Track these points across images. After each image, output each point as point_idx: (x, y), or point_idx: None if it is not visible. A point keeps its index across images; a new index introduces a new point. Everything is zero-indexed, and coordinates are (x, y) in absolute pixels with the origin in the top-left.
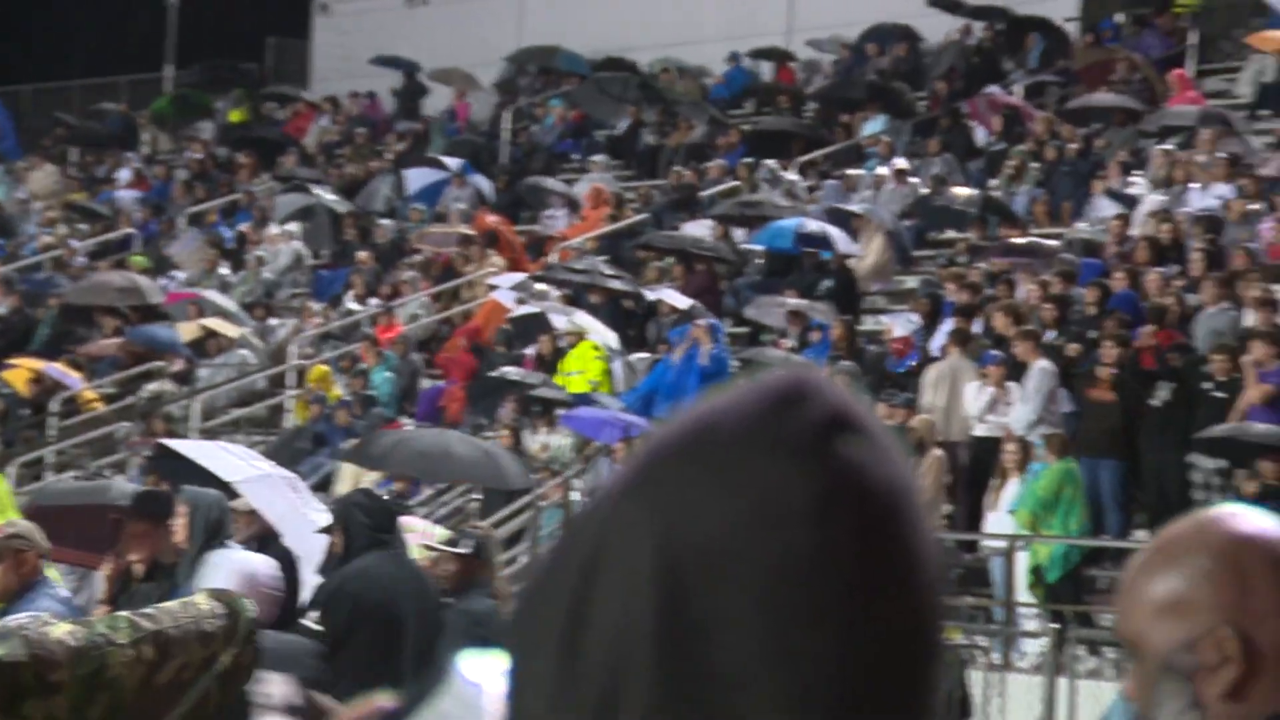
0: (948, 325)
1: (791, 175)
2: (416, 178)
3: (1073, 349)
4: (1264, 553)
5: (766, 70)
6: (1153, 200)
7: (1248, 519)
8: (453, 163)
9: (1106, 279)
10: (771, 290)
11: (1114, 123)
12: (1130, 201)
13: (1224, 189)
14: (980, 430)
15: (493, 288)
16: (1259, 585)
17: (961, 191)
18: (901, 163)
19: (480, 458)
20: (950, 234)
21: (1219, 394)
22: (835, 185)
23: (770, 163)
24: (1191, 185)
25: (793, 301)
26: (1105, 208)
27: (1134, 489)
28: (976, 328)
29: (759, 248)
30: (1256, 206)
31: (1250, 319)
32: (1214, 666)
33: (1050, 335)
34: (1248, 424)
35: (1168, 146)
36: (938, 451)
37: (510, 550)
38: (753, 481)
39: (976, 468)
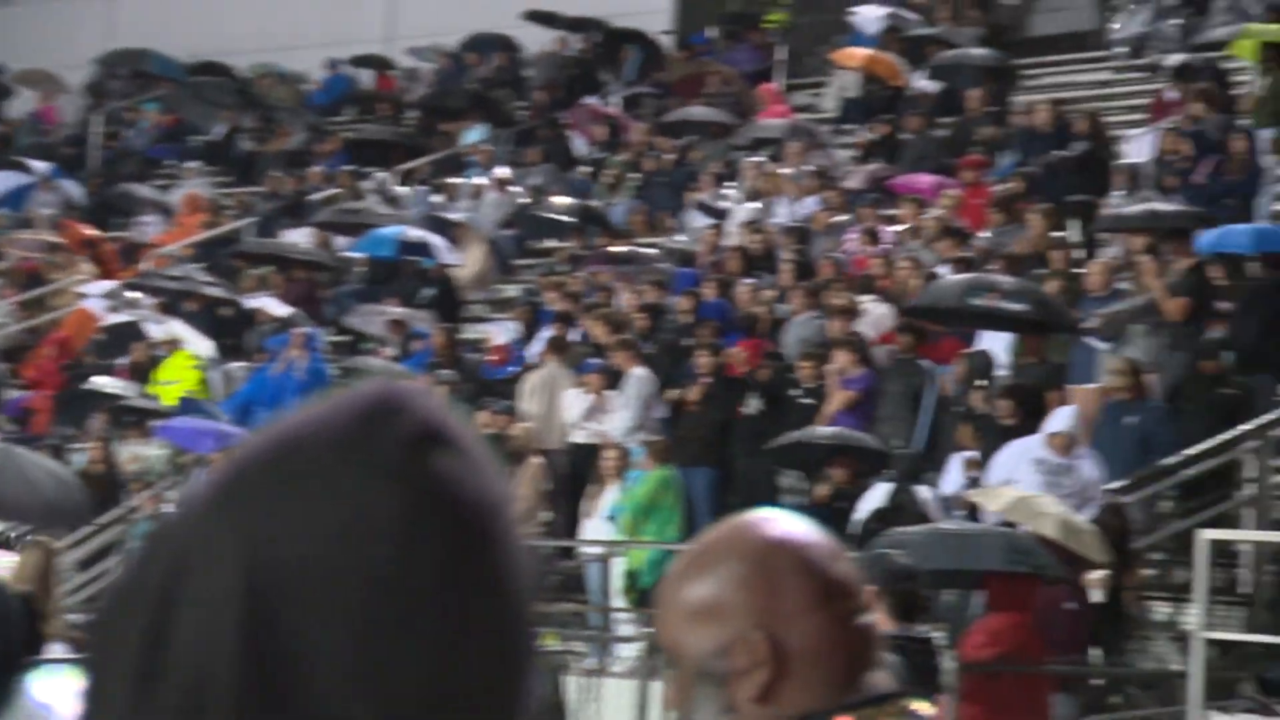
0: (546, 333)
1: (392, 183)
2: (0, 181)
3: (668, 357)
4: (793, 556)
5: (366, 78)
6: (744, 211)
7: (778, 523)
8: (40, 166)
9: (699, 288)
10: (373, 298)
11: (708, 135)
12: (723, 213)
13: (811, 201)
14: (579, 437)
15: (82, 296)
16: (788, 588)
17: (561, 201)
18: (503, 172)
19: (25, 492)
20: (550, 243)
21: (807, 401)
22: (427, 192)
23: (381, 175)
24: (780, 197)
25: (394, 310)
26: (699, 218)
27: (726, 496)
28: (575, 336)
29: (360, 255)
30: (842, 218)
31: (835, 327)
32: (746, 670)
33: (647, 344)
34: (814, 429)
35: (758, 159)
36: (537, 459)
37: (101, 564)
38: (341, 498)
39: (575, 475)
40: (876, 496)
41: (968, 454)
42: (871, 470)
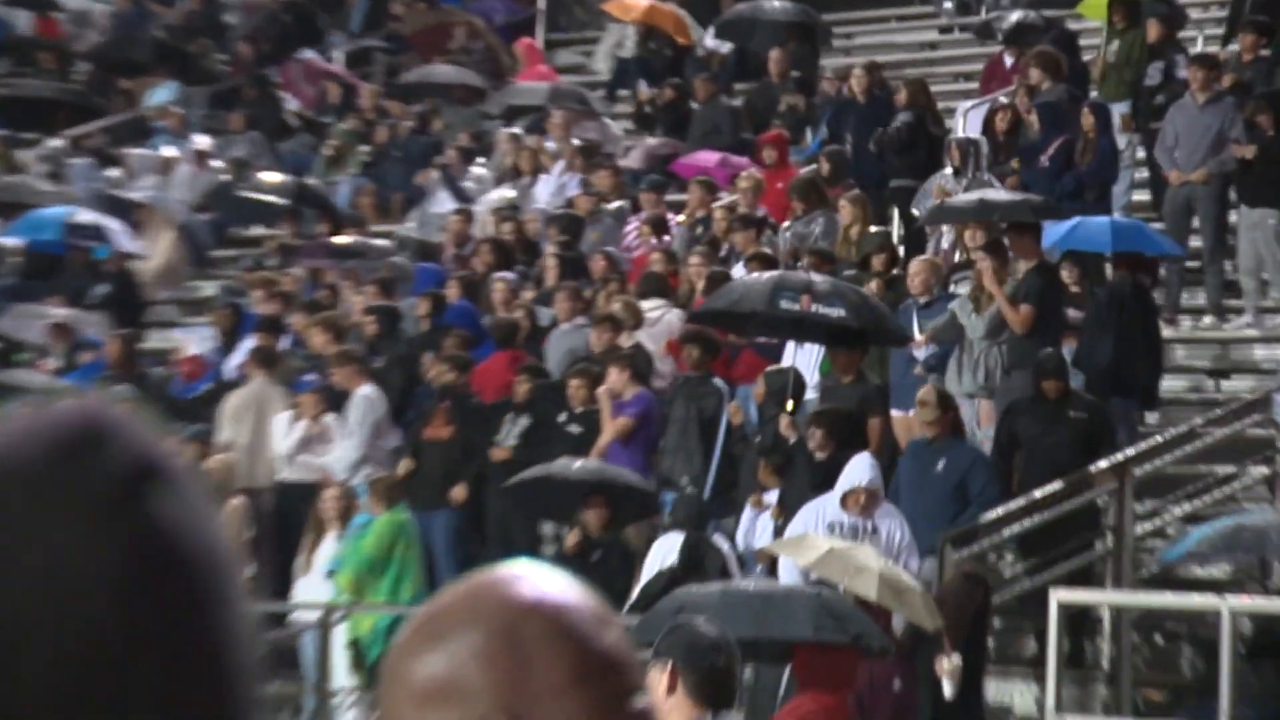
0: (250, 342)
1: (57, 153)
2: None
3: (402, 374)
4: (547, 623)
5: (23, 20)
6: (497, 194)
7: (532, 583)
8: None
9: (441, 288)
10: (31, 296)
11: (452, 100)
12: (471, 195)
13: (578, 182)
14: (291, 474)
15: None
16: (539, 661)
17: (271, 178)
18: (201, 141)
19: None
20: (257, 230)
21: (575, 429)
22: (100, 165)
23: (45, 142)
24: (543, 176)
25: (57, 311)
26: (443, 202)
27: (477, 545)
28: (287, 345)
29: (14, 242)
30: (617, 204)
31: (608, 339)
32: None
33: (376, 357)
34: (567, 463)
35: (515, 130)
36: (238, 499)
37: None
38: (42, 546)
39: (286, 519)
40: (665, 548)
41: (769, 495)
42: (637, 514)
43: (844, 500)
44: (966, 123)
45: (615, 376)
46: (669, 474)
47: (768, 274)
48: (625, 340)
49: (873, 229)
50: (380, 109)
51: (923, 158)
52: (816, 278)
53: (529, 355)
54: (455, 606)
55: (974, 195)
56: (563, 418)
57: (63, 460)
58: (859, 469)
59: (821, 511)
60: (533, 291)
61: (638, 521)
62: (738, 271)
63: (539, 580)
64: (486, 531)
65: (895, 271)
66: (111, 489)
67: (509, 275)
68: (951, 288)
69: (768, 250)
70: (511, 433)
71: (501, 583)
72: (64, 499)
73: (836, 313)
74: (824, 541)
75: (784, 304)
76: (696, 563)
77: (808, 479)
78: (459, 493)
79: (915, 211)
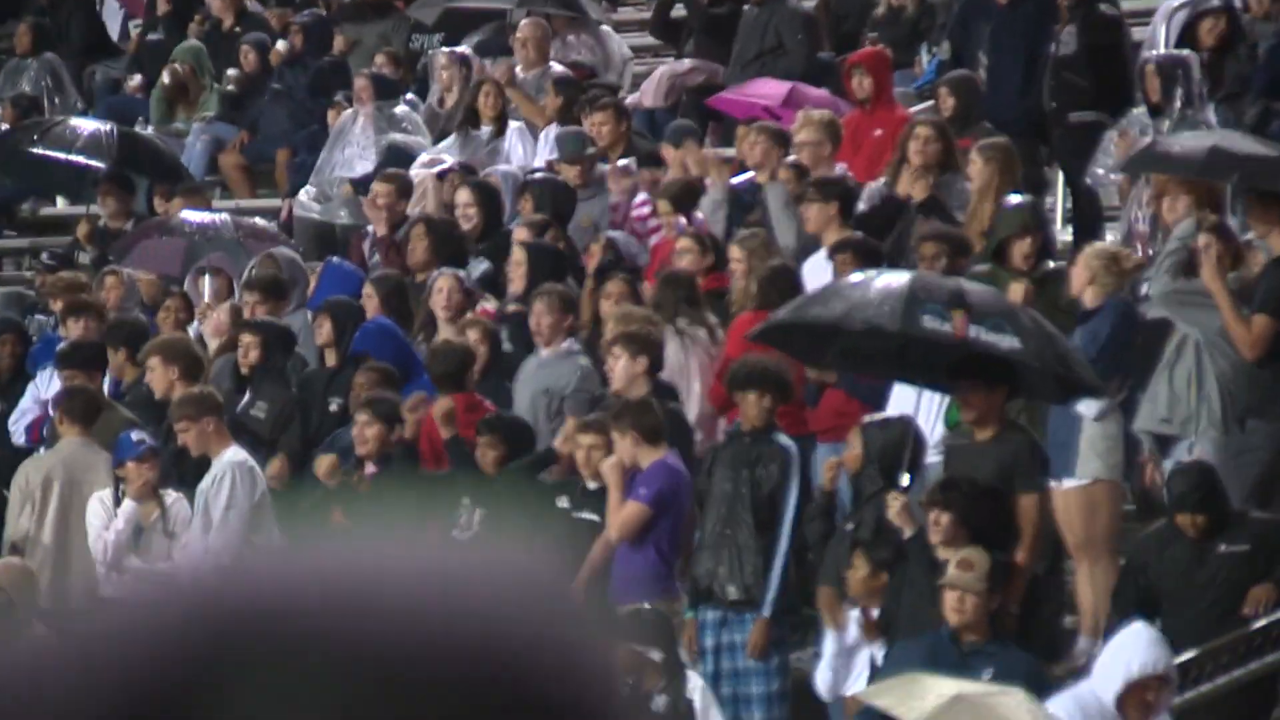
0: (51, 383)
1: None
2: None
3: (293, 429)
4: None
5: None
6: (438, 150)
7: None
8: None
9: (356, 296)
10: None
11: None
12: (401, 150)
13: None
14: (115, 588)
15: None
16: None
17: (80, 126)
18: None
19: None
20: (57, 208)
21: (589, 515)
22: None
23: None
24: (511, 124)
25: None
26: (353, 160)
27: None
28: (108, 386)
29: None
30: (624, 163)
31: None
32: None
33: (254, 404)
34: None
35: (462, 50)
36: (40, 630)
37: None
38: None
39: None
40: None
41: (857, 611)
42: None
43: (1121, 701)
44: (1170, 33)
45: (623, 440)
46: (708, 581)
47: (895, 277)
48: (639, 386)
49: (1013, 200)
50: (249, 16)
51: (1107, 85)
52: (970, 285)
53: (487, 399)
54: None
55: (1202, 141)
56: (565, 501)
57: None
58: (1135, 647)
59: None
60: (492, 302)
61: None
62: (817, 269)
63: None
64: None
65: (1051, 265)
66: None
67: (458, 273)
68: (1144, 288)
69: (859, 235)
70: (471, 523)
71: None
72: None
73: (1007, 343)
74: (946, 684)
75: (926, 321)
76: None
77: (927, 588)
78: None
79: (1097, 173)
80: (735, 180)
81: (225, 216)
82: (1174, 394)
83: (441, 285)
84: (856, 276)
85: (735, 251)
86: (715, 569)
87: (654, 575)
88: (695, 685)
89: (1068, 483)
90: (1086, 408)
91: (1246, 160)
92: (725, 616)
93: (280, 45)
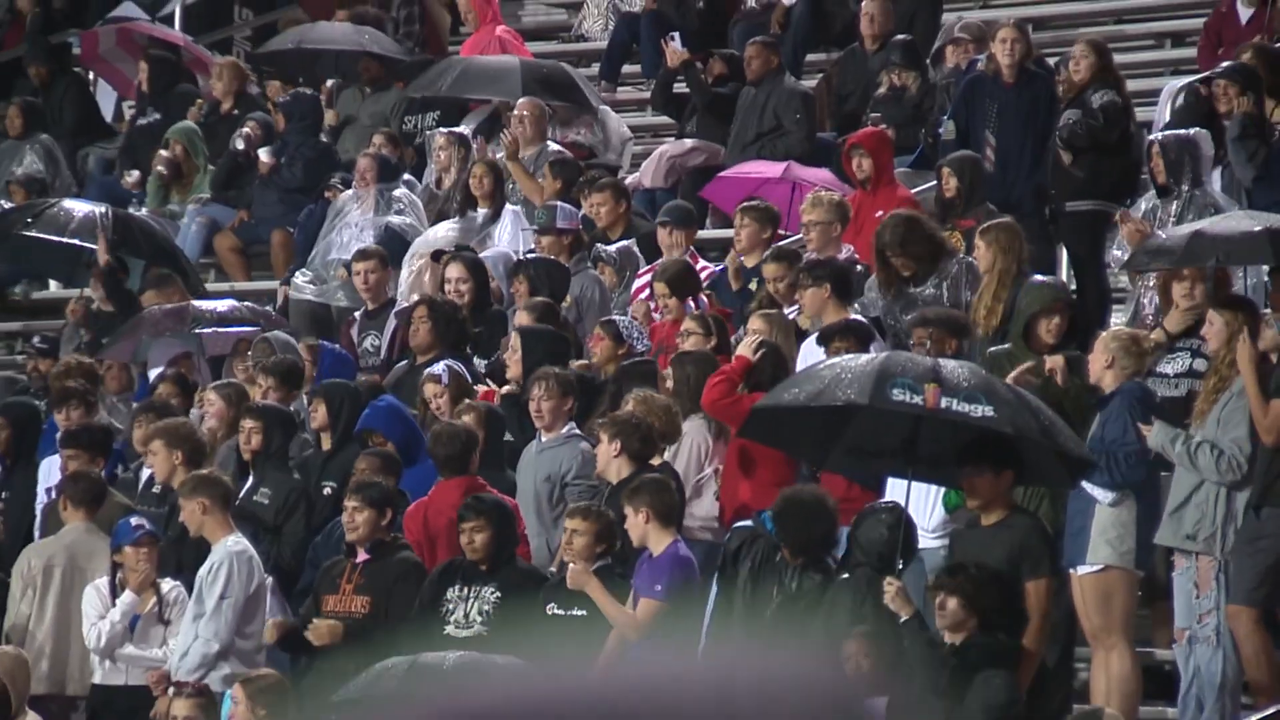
0: (52, 468)
1: None
2: None
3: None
4: None
5: None
6: (439, 232)
7: None
8: None
9: (353, 380)
10: None
11: (360, 80)
12: (400, 233)
13: (564, 211)
14: (110, 675)
15: None
16: None
17: (74, 208)
18: None
19: None
20: (50, 291)
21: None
22: None
23: None
24: (509, 208)
25: None
26: (350, 243)
27: None
28: (110, 471)
29: None
30: (619, 246)
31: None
32: None
33: (259, 489)
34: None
35: (460, 130)
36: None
37: None
38: None
39: None
40: None
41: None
42: None
43: None
44: (1175, 111)
45: (635, 517)
46: None
47: (871, 357)
48: (615, 471)
49: (1038, 279)
50: (247, 99)
51: (1119, 167)
52: (947, 363)
53: (490, 485)
54: None
55: (1186, 228)
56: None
57: None
58: None
59: None
60: (490, 388)
61: None
62: (811, 354)
63: None
64: None
65: (1077, 353)
66: None
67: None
68: (1162, 367)
69: (860, 318)
70: (472, 611)
71: None
72: None
73: (980, 411)
74: None
75: (895, 394)
76: None
77: (931, 680)
78: None
79: (1115, 255)
80: (705, 272)
81: (229, 304)
82: (1197, 510)
83: (432, 382)
84: (835, 359)
85: (756, 323)
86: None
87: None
88: None
89: (1081, 569)
90: (1102, 494)
91: (1226, 241)
92: None
93: (249, 126)
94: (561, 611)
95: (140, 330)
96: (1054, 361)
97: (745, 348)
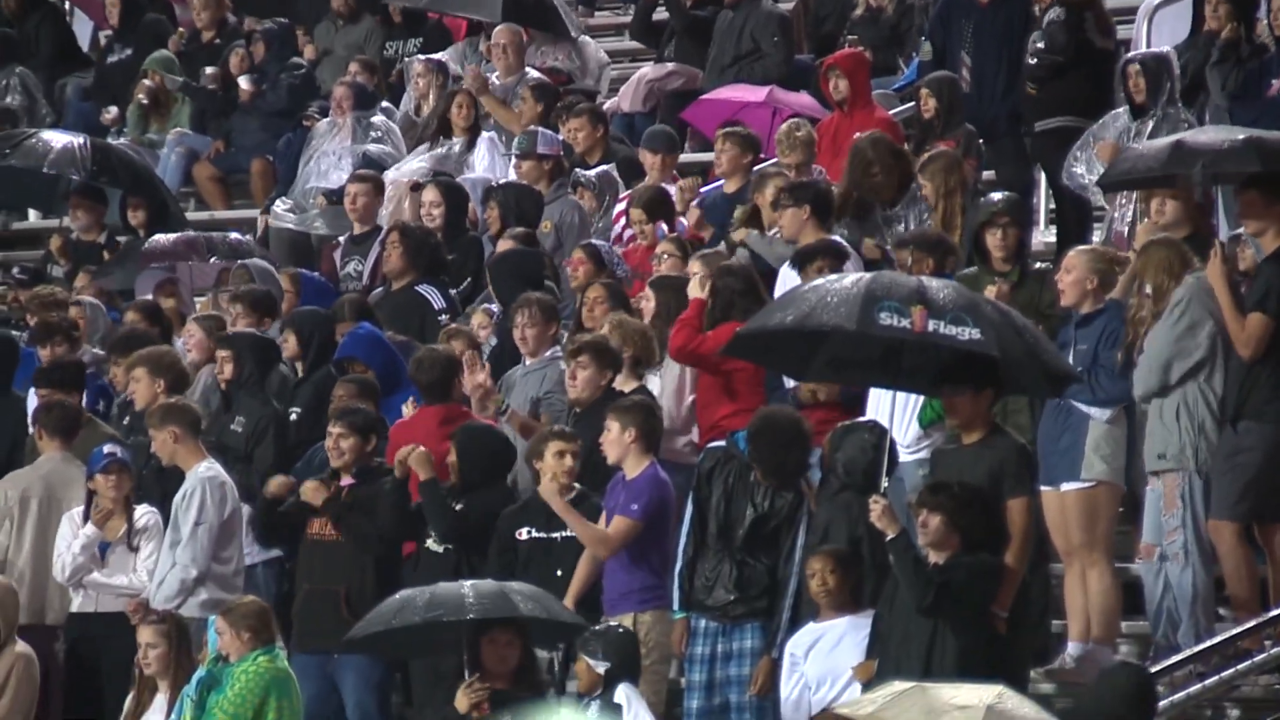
0: (28, 399)
1: None
2: None
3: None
4: None
5: None
6: (414, 163)
7: None
8: None
9: (329, 308)
10: None
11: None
12: (378, 160)
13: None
14: (85, 603)
15: None
16: None
17: (53, 139)
18: None
19: None
20: (29, 222)
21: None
22: None
23: None
24: (484, 135)
25: None
26: (330, 171)
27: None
28: (88, 401)
29: None
30: (598, 171)
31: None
32: None
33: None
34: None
35: (438, 57)
36: (20, 648)
37: None
38: None
39: (84, 676)
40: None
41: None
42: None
43: None
44: (1151, 31)
45: (622, 434)
46: (700, 595)
47: (856, 278)
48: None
49: (995, 195)
50: (228, 28)
51: (1086, 85)
52: (931, 282)
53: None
54: None
55: (1165, 139)
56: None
57: None
58: None
59: None
60: (485, 316)
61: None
62: (789, 278)
63: None
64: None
65: (1040, 266)
66: None
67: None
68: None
69: (838, 239)
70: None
71: None
72: None
73: (967, 334)
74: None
75: (883, 319)
76: None
77: (917, 598)
78: None
79: (1075, 173)
80: (704, 189)
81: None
82: (1165, 428)
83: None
84: (818, 280)
85: (695, 266)
86: (714, 579)
87: (646, 588)
88: (623, 694)
89: (1066, 486)
90: (1098, 411)
91: (1207, 150)
92: (723, 626)
93: (237, 55)
94: (542, 535)
95: (149, 259)
96: (991, 291)
97: (695, 288)
